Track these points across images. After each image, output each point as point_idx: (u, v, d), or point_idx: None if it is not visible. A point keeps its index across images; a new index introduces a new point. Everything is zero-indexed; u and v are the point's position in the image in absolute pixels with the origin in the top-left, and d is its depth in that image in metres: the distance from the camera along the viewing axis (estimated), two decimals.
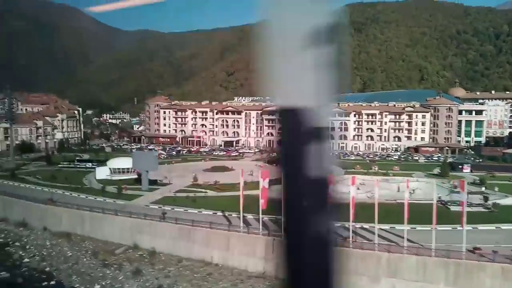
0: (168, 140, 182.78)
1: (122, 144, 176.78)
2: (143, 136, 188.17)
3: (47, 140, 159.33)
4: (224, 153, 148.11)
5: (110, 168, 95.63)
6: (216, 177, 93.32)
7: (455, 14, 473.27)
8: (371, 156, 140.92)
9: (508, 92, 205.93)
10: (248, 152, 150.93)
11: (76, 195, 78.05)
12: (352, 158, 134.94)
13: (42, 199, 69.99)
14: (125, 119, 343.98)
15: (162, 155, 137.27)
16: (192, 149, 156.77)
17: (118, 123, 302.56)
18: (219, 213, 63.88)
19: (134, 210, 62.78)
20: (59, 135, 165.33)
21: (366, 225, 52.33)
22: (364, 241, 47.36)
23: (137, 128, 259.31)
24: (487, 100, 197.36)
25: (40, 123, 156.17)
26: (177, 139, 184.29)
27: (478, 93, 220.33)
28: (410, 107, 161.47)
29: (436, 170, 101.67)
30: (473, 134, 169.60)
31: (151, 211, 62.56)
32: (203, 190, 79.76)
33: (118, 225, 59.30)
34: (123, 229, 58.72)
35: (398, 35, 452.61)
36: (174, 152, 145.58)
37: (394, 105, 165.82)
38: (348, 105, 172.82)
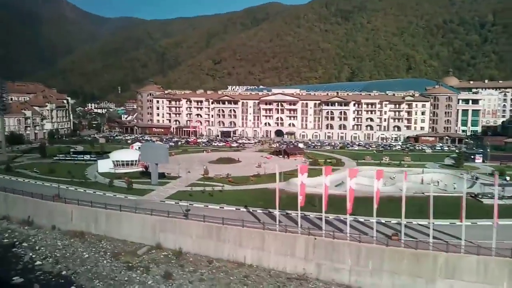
0: (162, 130, 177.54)
1: (115, 135, 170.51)
2: (135, 127, 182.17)
3: (36, 131, 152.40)
4: (224, 144, 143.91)
5: (113, 161, 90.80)
6: (224, 169, 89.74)
7: (440, 3, 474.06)
8: (374, 146, 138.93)
9: (501, 82, 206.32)
10: (248, 143, 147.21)
11: (82, 190, 73.35)
12: (356, 148, 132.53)
13: (46, 194, 65.05)
14: (111, 108, 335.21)
15: None
16: (189, 140, 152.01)
17: (104, 112, 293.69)
18: (242, 209, 60.36)
19: (149, 206, 58.75)
20: (48, 126, 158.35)
21: (413, 221, 49.47)
22: (409, 239, 44.50)
23: (125, 118, 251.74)
24: (480, 89, 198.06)
25: (28, 113, 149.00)
26: (171, 129, 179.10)
27: (471, 82, 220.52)
28: (410, 96, 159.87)
29: (448, 161, 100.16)
30: (469, 124, 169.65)
31: (168, 207, 58.61)
32: (218, 183, 75.85)
33: (138, 223, 55.20)
34: (144, 228, 54.69)
35: (386, 24, 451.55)
36: (172, 143, 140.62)
37: (394, 95, 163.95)
38: (348, 94, 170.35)
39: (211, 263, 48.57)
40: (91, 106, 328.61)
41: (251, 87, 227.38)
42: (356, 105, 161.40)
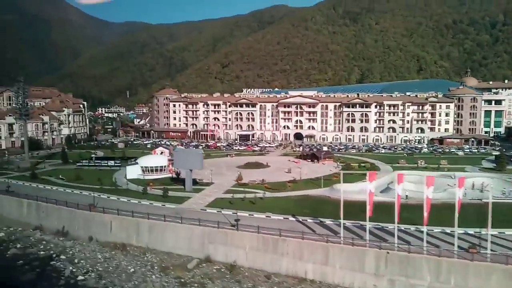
0: (179, 134, 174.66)
1: (132, 140, 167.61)
2: (152, 131, 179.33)
3: (53, 136, 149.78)
4: (245, 147, 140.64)
5: (141, 167, 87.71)
6: (255, 175, 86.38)
7: (449, 3, 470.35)
8: (400, 148, 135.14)
9: None
10: (269, 146, 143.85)
11: (115, 198, 70.20)
12: (382, 151, 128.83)
13: (79, 203, 62.04)
14: (121, 113, 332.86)
15: None
16: (209, 144, 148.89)
17: (115, 117, 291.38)
18: (291, 218, 56.92)
19: (190, 215, 55.61)
20: (65, 131, 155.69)
21: (479, 231, 46.00)
22: (489, 251, 40.90)
23: (138, 122, 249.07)
24: (500, 90, 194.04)
25: (46, 118, 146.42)
26: (189, 133, 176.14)
27: (490, 82, 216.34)
28: (433, 97, 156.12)
29: (487, 163, 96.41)
30: (492, 125, 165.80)
31: (213, 217, 55.42)
32: (255, 190, 72.49)
33: (184, 234, 51.92)
34: (191, 239, 51.41)
35: (394, 25, 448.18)
36: (192, 147, 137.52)
37: (416, 96, 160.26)
38: (368, 95, 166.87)
39: (269, 278, 45.21)
40: (102, 110, 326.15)
41: (267, 90, 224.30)
42: (378, 106, 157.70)
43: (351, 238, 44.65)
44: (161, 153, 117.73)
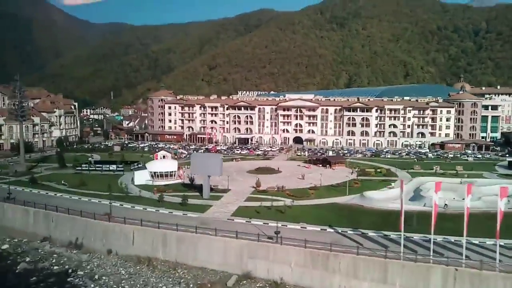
0: (175, 137, 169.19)
1: (127, 143, 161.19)
2: (147, 133, 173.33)
3: (44, 138, 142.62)
4: (247, 151, 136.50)
5: (150, 172, 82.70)
6: (270, 181, 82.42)
7: (433, 9, 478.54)
8: (404, 153, 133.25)
9: None
10: (271, 150, 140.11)
11: (129, 206, 65.20)
12: (388, 156, 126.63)
13: (90, 211, 57.07)
14: (107, 114, 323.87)
15: (183, 155, 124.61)
16: (209, 148, 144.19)
17: (101, 118, 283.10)
18: (329, 229, 53.18)
19: (217, 225, 51.37)
20: (56, 133, 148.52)
21: None
22: None
23: (127, 124, 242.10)
24: (493, 96, 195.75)
25: (36, 119, 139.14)
26: (184, 136, 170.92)
27: (483, 88, 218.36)
28: (434, 102, 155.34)
29: (503, 170, 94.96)
30: (489, 130, 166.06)
31: (239, 227, 51.26)
32: (277, 197, 68.51)
33: (219, 247, 47.53)
34: (227, 253, 47.08)
35: (381, 30, 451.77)
36: (192, 151, 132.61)
37: (417, 100, 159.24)
38: (369, 99, 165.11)
39: None
40: (87, 112, 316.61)
41: (263, 93, 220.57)
42: (379, 111, 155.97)
43: (412, 253, 41.15)
44: (163, 157, 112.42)
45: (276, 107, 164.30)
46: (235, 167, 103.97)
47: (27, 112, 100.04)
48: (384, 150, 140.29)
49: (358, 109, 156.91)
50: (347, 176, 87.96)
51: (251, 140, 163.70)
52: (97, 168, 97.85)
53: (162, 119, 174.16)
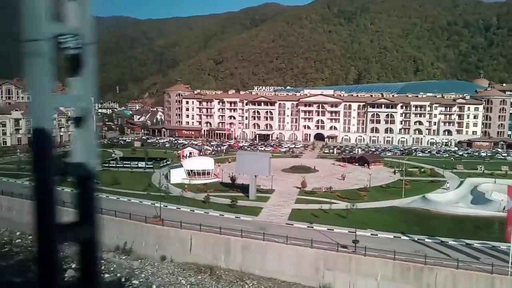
0: (193, 133, 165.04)
1: (146, 138, 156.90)
2: (163, 129, 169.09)
3: (61, 133, 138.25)
4: (272, 148, 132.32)
5: (187, 170, 78.60)
6: (311, 180, 78.28)
7: (443, 5, 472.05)
8: (435, 152, 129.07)
9: None
10: (295, 147, 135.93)
11: (174, 207, 61.09)
12: (420, 154, 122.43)
13: (138, 214, 53.21)
14: (115, 108, 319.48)
15: (208, 151, 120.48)
16: (231, 144, 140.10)
17: (110, 113, 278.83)
18: (403, 237, 49.03)
19: (277, 230, 47.70)
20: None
21: None
22: None
23: (138, 119, 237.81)
24: None
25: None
26: (202, 131, 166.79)
27: (504, 84, 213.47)
28: (461, 98, 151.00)
29: None
30: None
31: (302, 233, 47.41)
32: (327, 199, 64.50)
33: (291, 256, 43.59)
34: (301, 263, 43.12)
35: (390, 25, 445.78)
36: (222, 148, 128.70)
37: (443, 96, 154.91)
38: (393, 95, 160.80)
39: None
40: (95, 106, 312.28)
41: (279, 88, 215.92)
42: (404, 107, 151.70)
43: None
44: (190, 154, 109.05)
45: (297, 102, 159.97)
46: None
47: None
48: (412, 148, 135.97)
49: (383, 105, 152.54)
50: (391, 176, 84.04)
51: (271, 136, 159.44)
52: (125, 165, 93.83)
53: (179, 114, 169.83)
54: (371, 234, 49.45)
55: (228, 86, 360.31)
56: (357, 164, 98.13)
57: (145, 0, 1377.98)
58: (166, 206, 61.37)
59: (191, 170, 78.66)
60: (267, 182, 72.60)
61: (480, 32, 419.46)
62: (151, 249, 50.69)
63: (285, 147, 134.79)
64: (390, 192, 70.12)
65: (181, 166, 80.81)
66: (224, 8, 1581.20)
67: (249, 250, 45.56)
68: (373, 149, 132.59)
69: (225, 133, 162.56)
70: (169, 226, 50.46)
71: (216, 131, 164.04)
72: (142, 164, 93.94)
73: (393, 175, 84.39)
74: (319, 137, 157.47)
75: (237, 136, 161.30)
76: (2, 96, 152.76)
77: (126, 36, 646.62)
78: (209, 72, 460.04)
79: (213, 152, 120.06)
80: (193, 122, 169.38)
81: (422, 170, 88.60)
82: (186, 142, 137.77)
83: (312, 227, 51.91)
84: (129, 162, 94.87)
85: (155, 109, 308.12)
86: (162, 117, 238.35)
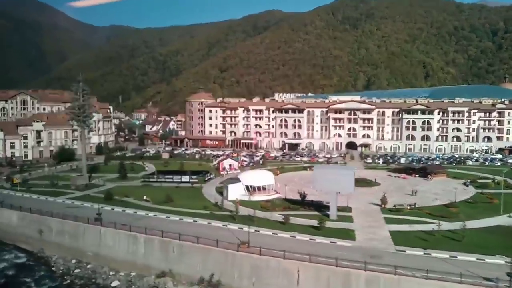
0: (217, 143, 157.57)
1: (171, 149, 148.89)
2: (186, 139, 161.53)
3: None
4: (309, 158, 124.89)
5: (246, 186, 71.04)
6: (378, 195, 70.91)
7: (448, 10, 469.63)
8: (483, 160, 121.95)
9: None
10: (332, 157, 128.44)
11: (252, 230, 53.14)
12: (470, 163, 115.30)
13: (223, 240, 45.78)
14: (122, 118, 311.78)
15: (245, 162, 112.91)
16: (263, 154, 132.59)
17: (119, 123, 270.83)
18: None
19: (391, 259, 40.48)
20: (95, 139, 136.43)
21: None
22: None
23: (150, 129, 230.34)
24: None
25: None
26: (226, 141, 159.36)
27: None
28: (501, 103, 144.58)
29: None
30: None
31: (417, 260, 40.30)
32: (418, 218, 57.20)
33: None
34: None
35: (396, 31, 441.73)
36: (258, 158, 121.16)
37: (480, 102, 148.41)
38: (428, 101, 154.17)
39: None
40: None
41: (299, 94, 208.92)
42: (441, 113, 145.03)
43: None
44: (230, 166, 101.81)
45: (326, 109, 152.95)
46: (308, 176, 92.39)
47: (89, 121, 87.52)
48: (463, 157, 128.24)
49: (419, 112, 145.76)
50: (465, 189, 76.71)
51: (300, 145, 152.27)
52: (166, 180, 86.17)
53: (202, 124, 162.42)
54: (505, 262, 41.91)
55: (234, 94, 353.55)
56: (417, 175, 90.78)
57: (145, 9, 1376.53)
58: (241, 228, 53.71)
59: (250, 186, 71.14)
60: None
61: (487, 36, 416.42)
62: (247, 282, 43.02)
63: (323, 157, 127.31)
64: (482, 208, 62.77)
65: (238, 180, 73.14)
66: (225, 16, 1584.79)
67: (379, 285, 37.94)
68: (416, 157, 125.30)
69: (250, 143, 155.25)
70: (267, 254, 42.76)
71: (242, 141, 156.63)
72: (185, 178, 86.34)
73: (466, 188, 77.07)
74: (351, 145, 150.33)
75: (266, 145, 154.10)
76: (17, 107, 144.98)
77: (127, 45, 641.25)
78: (214, 80, 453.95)
79: (250, 164, 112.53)
80: (216, 132, 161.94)
81: (496, 181, 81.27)
82: (218, 153, 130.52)
83: (430, 254, 44.41)
84: (171, 176, 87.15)
85: (162, 118, 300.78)
86: (175, 127, 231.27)
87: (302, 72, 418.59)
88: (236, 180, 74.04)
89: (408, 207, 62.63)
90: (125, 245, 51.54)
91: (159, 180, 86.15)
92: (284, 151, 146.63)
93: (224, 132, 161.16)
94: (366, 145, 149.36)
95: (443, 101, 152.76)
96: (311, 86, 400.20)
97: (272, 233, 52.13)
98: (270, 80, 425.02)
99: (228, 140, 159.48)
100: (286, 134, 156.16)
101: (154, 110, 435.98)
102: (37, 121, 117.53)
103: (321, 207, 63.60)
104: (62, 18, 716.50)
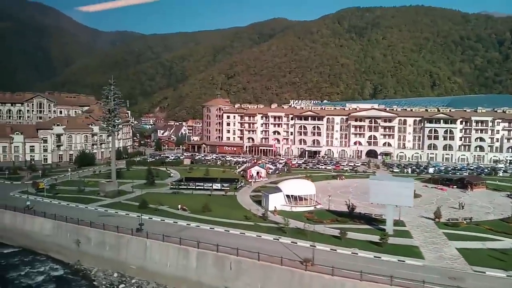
0: (235, 149, 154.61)
1: (191, 155, 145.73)
2: (204, 144, 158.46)
3: (102, 150, 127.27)
4: (333, 167, 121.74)
5: (287, 195, 67.84)
6: (422, 208, 67.75)
7: (454, 20, 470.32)
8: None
9: None
10: (355, 165, 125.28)
11: (306, 244, 49.83)
12: (500, 174, 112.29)
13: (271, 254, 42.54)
14: (132, 123, 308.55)
15: (270, 170, 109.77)
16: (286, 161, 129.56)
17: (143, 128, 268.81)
18: None
19: (471, 282, 37.61)
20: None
21: None
22: None
23: (162, 134, 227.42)
24: None
25: (96, 128, 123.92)
26: (244, 147, 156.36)
27: None
28: None
29: None
30: None
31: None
32: (478, 234, 54.09)
33: None
34: None
35: (402, 40, 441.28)
36: (281, 166, 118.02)
37: (504, 111, 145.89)
38: (450, 110, 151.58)
39: None
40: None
41: (315, 101, 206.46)
42: (464, 122, 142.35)
43: None
44: (257, 173, 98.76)
45: (347, 117, 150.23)
46: (353, 187, 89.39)
47: (117, 124, 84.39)
48: (494, 167, 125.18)
49: (441, 121, 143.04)
50: None
51: (319, 153, 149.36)
52: (197, 187, 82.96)
53: (219, 129, 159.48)
54: None
55: (241, 100, 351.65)
56: (455, 187, 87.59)
57: (150, 15, 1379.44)
58: (296, 243, 50.49)
59: (291, 196, 67.90)
60: (379, 209, 61.91)
61: (493, 46, 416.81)
62: None
63: (347, 165, 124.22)
64: None
65: (277, 189, 69.92)
66: (230, 23, 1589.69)
67: None
68: (442, 167, 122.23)
69: (268, 149, 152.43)
70: (339, 275, 39.47)
71: (260, 147, 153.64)
72: (216, 185, 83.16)
73: None
74: (372, 153, 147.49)
75: (284, 152, 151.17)
76: (33, 110, 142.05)
77: (132, 50, 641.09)
78: (221, 86, 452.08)
79: (277, 172, 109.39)
80: (234, 138, 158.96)
81: None
82: (238, 159, 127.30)
83: None
84: (202, 184, 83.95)
85: (172, 123, 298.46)
86: (187, 132, 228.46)
87: (308, 80, 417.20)
88: (275, 189, 70.80)
89: (465, 222, 59.33)
90: (175, 259, 48.18)
91: (189, 187, 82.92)
92: (304, 158, 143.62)
93: (241, 138, 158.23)
94: (387, 154, 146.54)
95: (465, 110, 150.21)
96: (317, 93, 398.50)
97: (331, 249, 48.78)
98: (276, 87, 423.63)
99: (246, 146, 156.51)
100: (305, 141, 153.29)
101: (161, 115, 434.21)
102: (57, 125, 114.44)
103: (371, 220, 60.40)
104: (68, 22, 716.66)
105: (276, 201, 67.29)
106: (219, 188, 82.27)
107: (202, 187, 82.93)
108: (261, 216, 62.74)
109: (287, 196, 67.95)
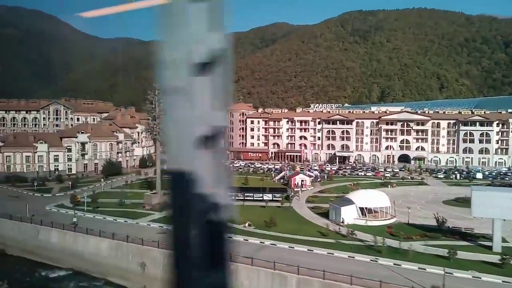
0: (260, 155, 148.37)
1: None
2: (227, 151, 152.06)
3: (126, 158, 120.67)
4: (373, 173, 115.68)
5: (360, 208, 61.56)
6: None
7: (458, 22, 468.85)
8: None
9: None
10: (393, 171, 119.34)
11: (409, 266, 43.57)
12: None
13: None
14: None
15: (310, 177, 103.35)
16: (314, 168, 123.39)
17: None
18: None
19: None
20: (138, 151, 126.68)
21: None
22: None
23: None
24: None
25: (121, 136, 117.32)
26: (269, 153, 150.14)
27: None
28: None
29: None
30: None
31: None
32: None
33: None
34: None
35: (407, 43, 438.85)
36: (319, 173, 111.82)
37: None
38: (484, 112, 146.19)
39: None
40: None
41: (337, 105, 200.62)
42: (501, 125, 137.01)
43: None
44: (302, 181, 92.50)
45: (377, 120, 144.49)
46: (412, 196, 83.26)
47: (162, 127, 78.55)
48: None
49: (477, 123, 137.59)
50: None
51: (349, 158, 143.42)
52: (246, 198, 76.53)
53: (243, 135, 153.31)
54: None
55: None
56: None
57: (149, 21, 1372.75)
58: (425, 269, 43.63)
59: (366, 208, 61.63)
60: (462, 221, 55.85)
61: (500, 48, 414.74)
62: None
63: (387, 171, 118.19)
64: None
65: (347, 201, 63.66)
66: (231, 28, 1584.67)
67: None
68: (485, 172, 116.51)
69: (295, 155, 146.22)
70: None
71: (286, 153, 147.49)
72: (267, 196, 76.81)
73: None
74: (403, 158, 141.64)
75: (308, 158, 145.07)
76: (49, 117, 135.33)
77: (133, 56, 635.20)
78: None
79: (318, 179, 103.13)
80: (258, 144, 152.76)
81: None
82: (271, 166, 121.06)
83: None
84: (251, 194, 77.54)
85: None
86: None
87: (315, 83, 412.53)
88: (344, 200, 64.52)
89: None
90: (268, 287, 41.72)
91: (239, 198, 76.47)
92: (336, 164, 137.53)
93: (265, 144, 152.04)
94: (420, 158, 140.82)
95: (500, 112, 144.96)
96: (324, 97, 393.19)
97: (446, 272, 42.41)
98: (282, 91, 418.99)
99: (271, 152, 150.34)
100: (333, 146, 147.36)
101: None
102: (82, 132, 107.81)
103: (466, 236, 54.16)
104: (68, 29, 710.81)
105: (348, 215, 61.01)
106: (271, 199, 75.90)
107: (252, 198, 76.52)
108: (338, 231, 56.49)
109: (360, 208, 61.65)
